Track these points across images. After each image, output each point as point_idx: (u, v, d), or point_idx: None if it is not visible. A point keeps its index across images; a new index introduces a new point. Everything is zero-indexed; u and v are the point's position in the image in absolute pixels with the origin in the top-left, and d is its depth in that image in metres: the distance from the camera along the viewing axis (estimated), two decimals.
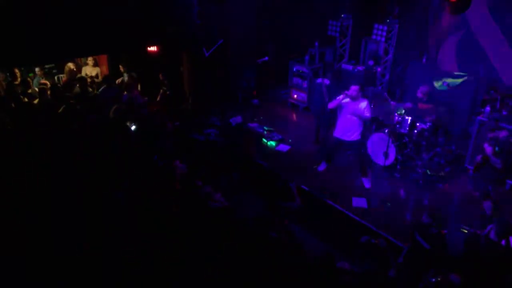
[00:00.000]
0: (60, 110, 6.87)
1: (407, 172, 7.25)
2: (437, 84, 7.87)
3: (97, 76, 9.22)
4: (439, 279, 3.85)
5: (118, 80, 8.76)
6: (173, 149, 6.67)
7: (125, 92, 7.73)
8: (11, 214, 4.36)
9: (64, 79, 8.83)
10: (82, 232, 4.16)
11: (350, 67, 9.04)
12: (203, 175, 5.90)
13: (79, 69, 9.24)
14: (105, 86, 7.87)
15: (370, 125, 7.94)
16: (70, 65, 8.63)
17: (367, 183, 6.87)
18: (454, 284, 3.78)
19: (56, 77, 9.14)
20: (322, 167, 7.32)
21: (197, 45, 8.82)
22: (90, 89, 8.16)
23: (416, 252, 4.75)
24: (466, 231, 5.35)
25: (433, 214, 4.64)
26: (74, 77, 8.49)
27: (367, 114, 6.39)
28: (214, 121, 8.85)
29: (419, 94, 7.41)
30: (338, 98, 6.48)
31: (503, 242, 4.29)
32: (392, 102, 7.66)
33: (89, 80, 8.68)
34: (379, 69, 9.20)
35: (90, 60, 9.22)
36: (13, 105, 7.06)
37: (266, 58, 9.85)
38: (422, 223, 4.67)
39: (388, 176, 7.21)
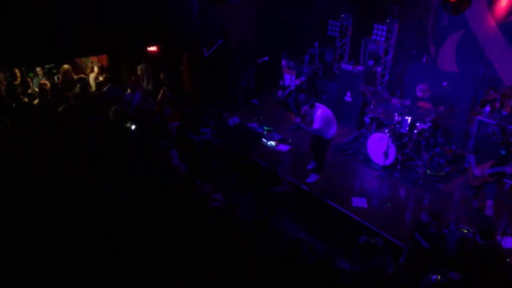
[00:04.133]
0: (60, 110, 6.88)
1: (407, 172, 7.26)
2: None
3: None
4: (439, 277, 3.85)
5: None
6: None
7: (128, 91, 7.77)
8: (11, 214, 4.36)
9: (59, 80, 8.79)
10: (82, 232, 4.16)
11: (350, 67, 9.04)
12: (201, 175, 5.90)
13: (78, 71, 9.20)
14: (110, 85, 7.88)
15: (370, 125, 7.94)
16: (65, 67, 8.57)
17: (311, 178, 6.98)
18: (454, 282, 3.77)
19: (56, 77, 9.11)
20: (310, 165, 7.32)
21: (197, 45, 8.82)
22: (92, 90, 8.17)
23: (416, 252, 4.75)
24: (466, 231, 5.36)
25: (433, 213, 4.63)
26: (69, 79, 8.45)
27: (313, 126, 6.55)
28: (208, 120, 8.82)
29: (419, 93, 7.39)
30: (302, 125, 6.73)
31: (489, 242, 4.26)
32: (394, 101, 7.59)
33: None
34: (379, 69, 9.20)
35: (96, 67, 9.15)
36: (13, 105, 7.06)
37: (266, 58, 9.85)
38: (422, 222, 4.67)
39: (388, 176, 7.21)
